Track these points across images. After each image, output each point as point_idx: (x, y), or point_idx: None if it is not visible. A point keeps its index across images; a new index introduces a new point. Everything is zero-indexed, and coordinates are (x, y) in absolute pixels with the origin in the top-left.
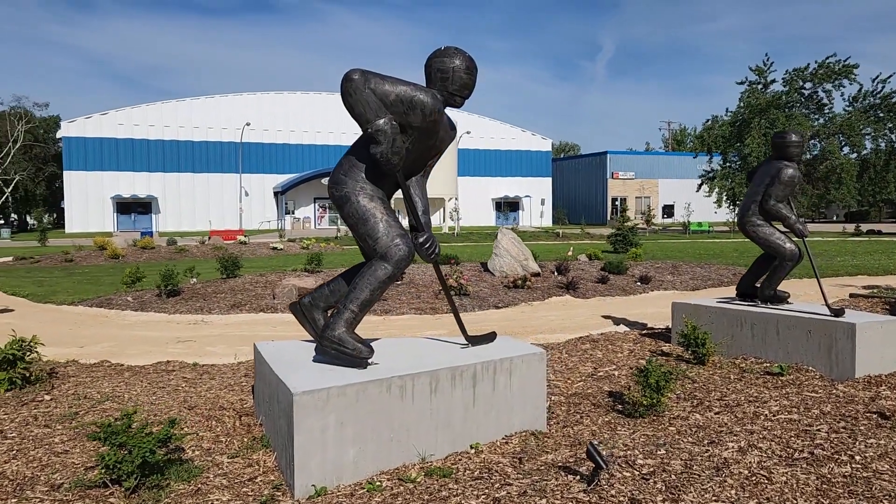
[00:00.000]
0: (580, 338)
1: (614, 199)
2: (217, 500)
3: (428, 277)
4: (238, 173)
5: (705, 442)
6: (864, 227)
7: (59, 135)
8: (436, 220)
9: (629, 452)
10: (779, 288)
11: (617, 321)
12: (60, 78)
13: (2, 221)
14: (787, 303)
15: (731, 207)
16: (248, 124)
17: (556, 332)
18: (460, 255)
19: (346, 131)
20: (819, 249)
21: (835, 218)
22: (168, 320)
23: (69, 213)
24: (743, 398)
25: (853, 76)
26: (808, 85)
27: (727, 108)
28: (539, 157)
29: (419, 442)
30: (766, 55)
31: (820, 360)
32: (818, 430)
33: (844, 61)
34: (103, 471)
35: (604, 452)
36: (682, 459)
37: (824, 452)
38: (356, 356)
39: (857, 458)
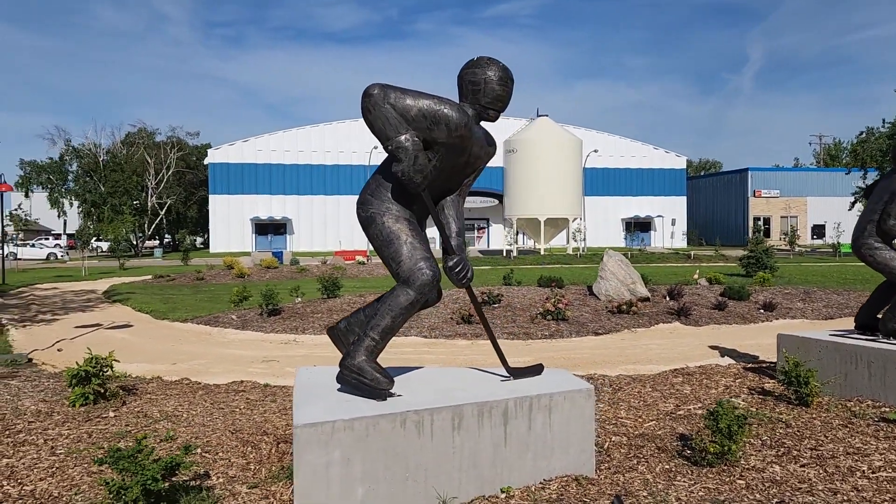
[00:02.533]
0: (675, 370)
1: (756, 219)
2: None
3: (527, 301)
4: None
5: (773, 502)
6: None
7: (206, 161)
8: (560, 240)
9: None
10: None
11: (725, 352)
12: (214, 109)
13: (157, 242)
14: None
15: None
16: (375, 147)
17: (651, 362)
18: (566, 278)
19: None
20: None
21: None
22: (262, 339)
23: (213, 234)
24: (841, 449)
25: None
26: None
27: (884, 119)
28: (673, 175)
29: (439, 483)
30: None
31: None
32: None
33: None
34: (110, 496)
35: None
36: None
37: None
38: (374, 387)
39: None
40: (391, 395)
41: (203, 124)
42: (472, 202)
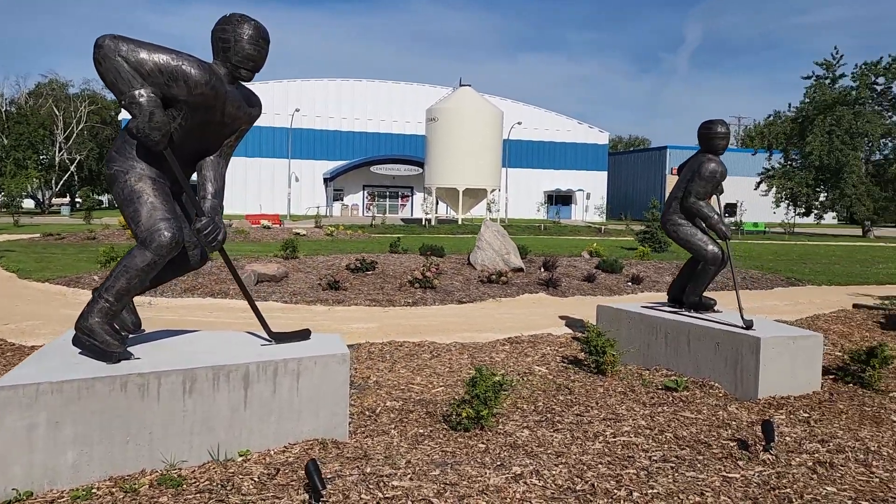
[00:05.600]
0: (507, 338)
1: None
2: None
3: (402, 268)
4: (288, 159)
5: (495, 464)
6: None
7: (120, 117)
8: (480, 210)
9: (395, 472)
10: (706, 294)
11: (570, 322)
12: None
13: (67, 199)
14: (715, 311)
15: (790, 208)
16: (297, 110)
17: (494, 331)
18: (469, 247)
19: (398, 119)
20: (864, 256)
21: None
22: None
23: None
24: (603, 415)
25: None
26: (880, 80)
27: (790, 104)
28: (595, 151)
29: (167, 447)
30: (836, 48)
31: (726, 375)
32: (647, 458)
33: None
34: None
35: (327, 474)
36: (440, 484)
37: (608, 487)
38: (104, 349)
39: (642, 496)
40: (127, 356)
41: None
42: (395, 170)
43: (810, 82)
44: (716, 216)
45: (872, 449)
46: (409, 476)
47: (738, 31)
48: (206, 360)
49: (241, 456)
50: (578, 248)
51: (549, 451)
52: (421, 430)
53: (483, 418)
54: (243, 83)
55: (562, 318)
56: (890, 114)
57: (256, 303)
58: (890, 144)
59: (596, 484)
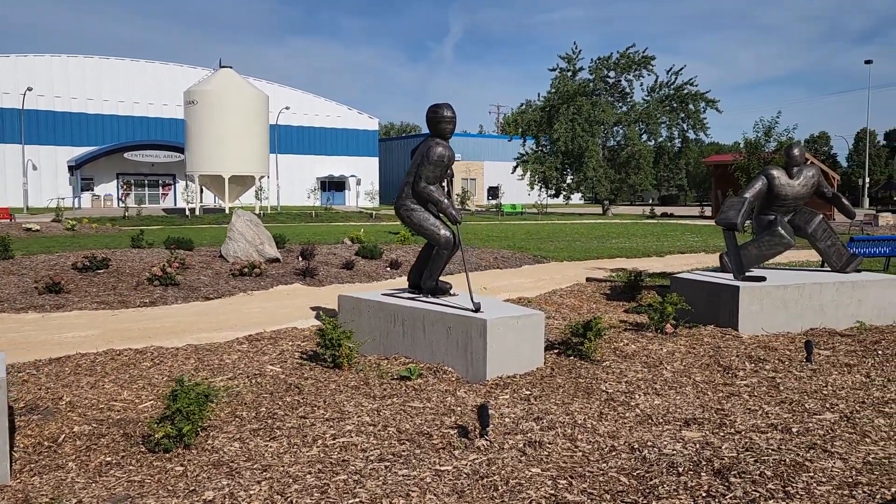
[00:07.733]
0: (248, 336)
1: None
2: None
3: (142, 265)
4: (22, 144)
5: (188, 491)
6: (659, 210)
7: None
8: (249, 198)
9: None
10: (441, 278)
11: (326, 312)
12: None
13: None
14: (450, 294)
15: (542, 190)
16: (30, 89)
17: (235, 328)
18: (210, 238)
19: (155, 101)
20: (602, 232)
21: (650, 201)
22: None
23: None
24: (328, 414)
25: (651, 67)
26: (612, 74)
27: (539, 94)
28: (366, 137)
29: None
30: (574, 43)
31: (458, 359)
32: (364, 458)
33: (643, 52)
34: None
35: None
36: None
37: (308, 502)
38: None
39: None
40: None
41: None
42: (154, 157)
43: (555, 74)
44: (446, 201)
45: (580, 422)
46: None
47: (497, 24)
48: None
49: None
50: (343, 235)
51: (255, 466)
52: (109, 458)
53: (186, 436)
54: None
55: (314, 308)
56: (620, 104)
57: None
58: (621, 132)
59: (296, 500)
